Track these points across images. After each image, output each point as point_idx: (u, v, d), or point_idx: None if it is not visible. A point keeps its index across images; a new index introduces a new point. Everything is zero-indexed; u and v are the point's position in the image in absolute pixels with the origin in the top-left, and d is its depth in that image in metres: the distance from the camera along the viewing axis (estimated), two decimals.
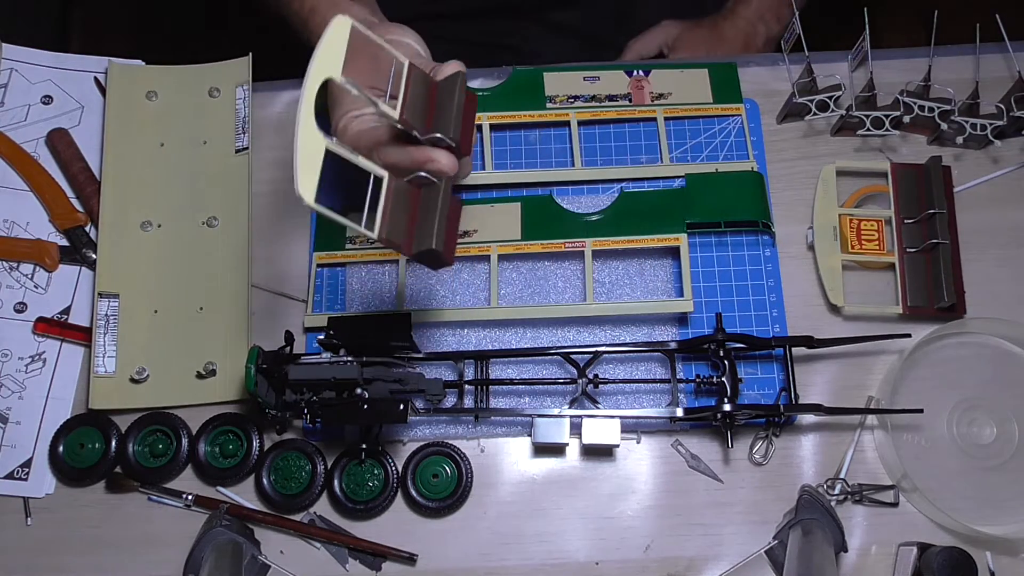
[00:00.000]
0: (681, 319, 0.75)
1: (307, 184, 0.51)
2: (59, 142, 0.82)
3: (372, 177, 0.55)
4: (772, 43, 0.99)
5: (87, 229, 0.80)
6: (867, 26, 0.78)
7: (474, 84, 0.82)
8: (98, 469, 0.72)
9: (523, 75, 0.82)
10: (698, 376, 0.71)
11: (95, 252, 0.78)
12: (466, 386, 0.71)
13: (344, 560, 0.70)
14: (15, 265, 0.79)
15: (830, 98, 0.77)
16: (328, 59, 0.53)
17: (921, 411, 0.69)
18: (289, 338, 0.68)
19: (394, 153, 0.61)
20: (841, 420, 0.72)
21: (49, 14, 1.55)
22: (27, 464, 0.74)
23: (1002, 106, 0.76)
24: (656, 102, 0.80)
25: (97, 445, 0.73)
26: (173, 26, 1.56)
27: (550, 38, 1.03)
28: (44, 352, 0.77)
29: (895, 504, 0.70)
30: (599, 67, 0.82)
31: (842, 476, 0.71)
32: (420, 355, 0.72)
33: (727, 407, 0.67)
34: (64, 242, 0.80)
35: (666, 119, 0.80)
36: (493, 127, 0.80)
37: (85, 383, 0.75)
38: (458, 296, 0.76)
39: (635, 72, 0.82)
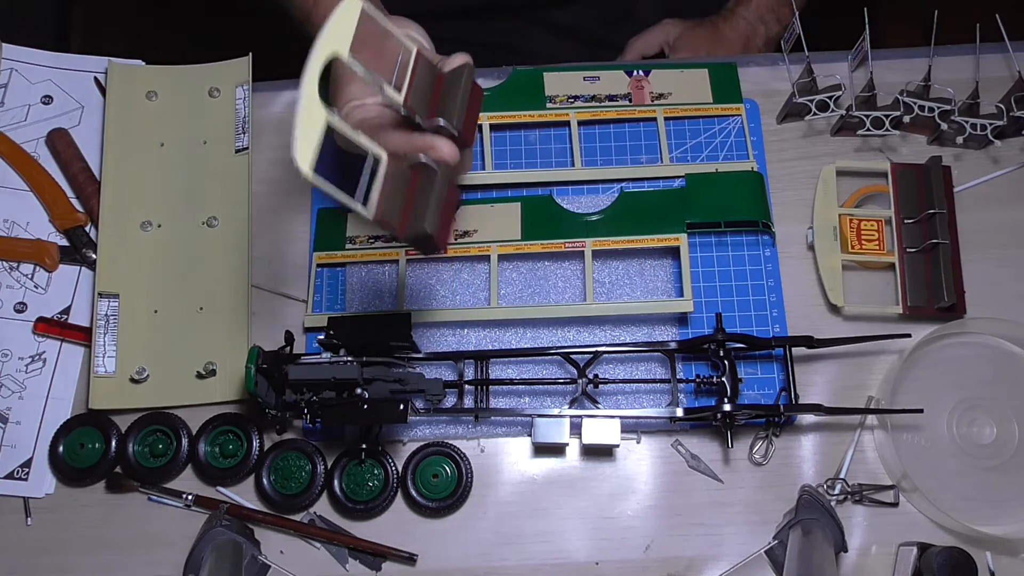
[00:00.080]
0: (681, 319, 0.75)
1: (305, 154, 0.51)
2: (59, 142, 0.82)
3: (370, 157, 0.55)
4: (772, 43, 0.99)
5: (87, 229, 0.80)
6: (867, 26, 0.78)
7: None
8: (98, 469, 0.72)
9: (523, 75, 0.82)
10: (698, 376, 0.71)
11: (95, 252, 0.78)
12: (466, 386, 0.71)
13: (344, 560, 0.70)
14: (15, 265, 0.79)
15: (830, 98, 0.77)
16: (336, 36, 0.52)
17: (921, 411, 0.69)
18: (289, 338, 0.68)
19: (396, 139, 0.60)
20: (841, 420, 0.72)
21: (49, 14, 1.55)
22: (27, 464, 0.74)
23: (1002, 106, 0.76)
24: (656, 102, 0.80)
25: (97, 445, 0.73)
26: (173, 26, 1.56)
27: (550, 38, 1.03)
28: (44, 352, 0.77)
29: (895, 504, 0.70)
30: (599, 67, 0.82)
31: (842, 476, 0.71)
32: (420, 355, 0.72)
33: (727, 407, 0.67)
34: (64, 242, 0.80)
35: (666, 119, 0.80)
36: (493, 127, 0.80)
37: (85, 383, 0.75)
38: (458, 296, 0.76)
39: (635, 72, 0.82)
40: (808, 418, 0.72)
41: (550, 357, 0.74)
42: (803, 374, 0.73)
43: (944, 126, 0.77)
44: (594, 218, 0.76)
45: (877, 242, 0.75)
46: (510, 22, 1.01)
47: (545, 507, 0.72)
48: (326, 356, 0.67)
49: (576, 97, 0.81)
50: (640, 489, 0.72)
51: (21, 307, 0.78)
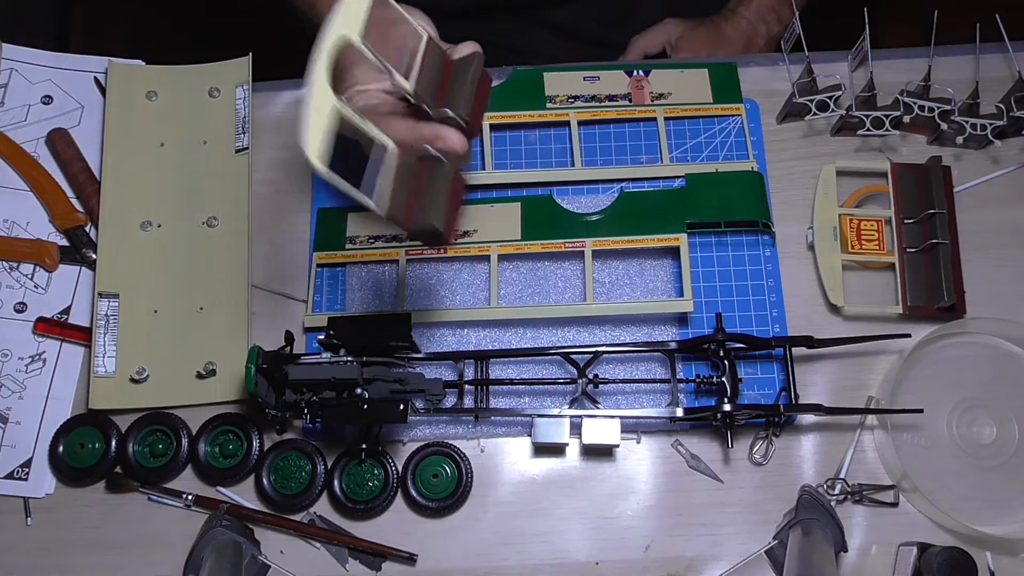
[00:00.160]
0: (681, 319, 0.75)
1: (315, 145, 0.50)
2: (59, 142, 0.82)
3: (377, 146, 0.54)
4: (773, 43, 0.99)
5: (87, 229, 0.80)
6: (867, 26, 0.78)
7: None
8: (98, 469, 0.72)
9: (523, 75, 0.82)
10: (698, 376, 0.71)
11: (95, 252, 0.78)
12: (466, 386, 0.71)
13: (344, 560, 0.70)
14: (15, 265, 0.79)
15: (830, 98, 0.77)
16: (348, 20, 0.51)
17: (921, 411, 0.69)
18: (289, 338, 0.68)
19: (402, 127, 0.59)
20: (841, 420, 0.72)
21: (49, 14, 1.55)
22: (27, 464, 0.74)
23: (1002, 106, 0.76)
24: (656, 102, 0.80)
25: (97, 445, 0.73)
26: (173, 26, 1.56)
27: (550, 38, 1.03)
28: (44, 352, 0.77)
29: (895, 504, 0.70)
30: (599, 67, 0.82)
31: (842, 476, 0.71)
32: (420, 355, 0.72)
33: (727, 407, 0.67)
34: (64, 242, 0.80)
35: (666, 119, 0.80)
36: (493, 127, 0.80)
37: (85, 383, 0.75)
38: (458, 296, 0.76)
39: (635, 72, 0.82)
40: (808, 418, 0.72)
41: (550, 357, 0.74)
42: (803, 374, 0.73)
43: (944, 126, 0.77)
44: (594, 218, 0.76)
45: (877, 242, 0.75)
46: (510, 22, 1.01)
47: (545, 507, 0.72)
48: (326, 356, 0.67)
49: (576, 97, 0.81)
50: (640, 489, 0.72)
51: (21, 307, 0.78)
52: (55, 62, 0.86)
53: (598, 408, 0.71)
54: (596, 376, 0.71)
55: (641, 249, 0.76)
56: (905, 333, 0.71)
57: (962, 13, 0.79)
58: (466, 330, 0.75)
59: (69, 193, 0.81)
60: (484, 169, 0.78)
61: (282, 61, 0.89)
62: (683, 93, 0.81)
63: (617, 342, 0.74)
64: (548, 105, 0.80)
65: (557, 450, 0.73)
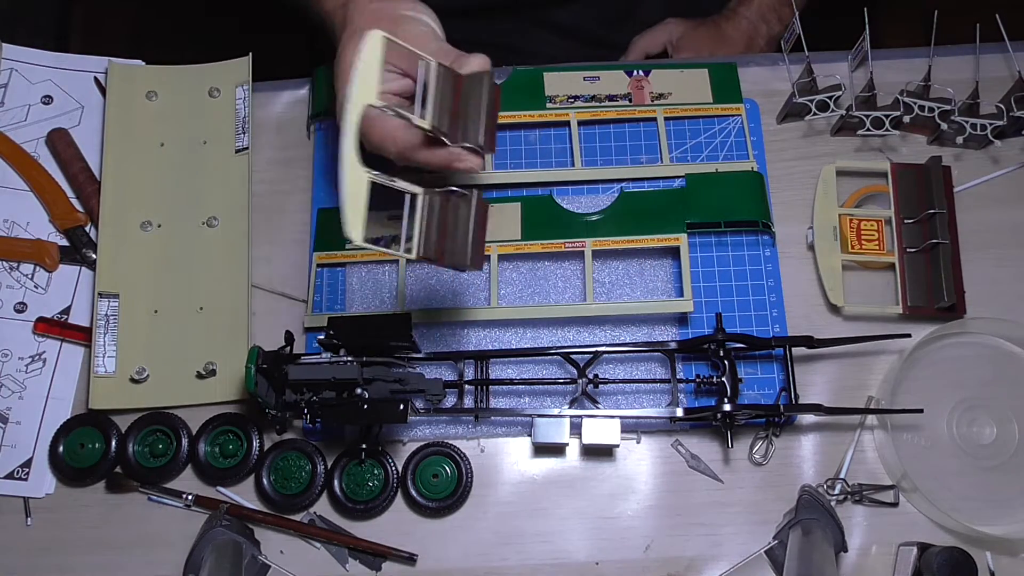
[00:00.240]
0: (681, 319, 0.75)
1: (356, 223, 0.53)
2: (59, 142, 0.82)
3: (407, 196, 0.57)
4: (774, 42, 0.99)
5: (87, 229, 0.80)
6: (867, 26, 0.78)
7: None
8: (98, 469, 0.72)
9: (523, 75, 0.82)
10: (698, 376, 0.71)
11: (95, 252, 0.78)
12: (466, 386, 0.71)
13: (344, 560, 0.70)
14: (15, 265, 0.79)
15: (830, 98, 0.77)
16: (365, 84, 0.53)
17: (921, 411, 0.69)
18: (289, 338, 0.68)
19: (423, 156, 0.62)
20: (841, 420, 0.72)
21: (49, 14, 1.55)
22: (27, 464, 0.74)
23: (1002, 106, 0.76)
24: (656, 102, 0.80)
25: (97, 445, 0.73)
26: (173, 26, 1.56)
27: (550, 38, 1.03)
28: (44, 352, 0.77)
29: (895, 504, 0.70)
30: (599, 67, 0.82)
31: (842, 476, 0.71)
32: (420, 355, 0.72)
33: (727, 407, 0.67)
34: (64, 242, 0.80)
35: (666, 119, 0.80)
36: None
37: (85, 383, 0.75)
38: (458, 296, 0.76)
39: (635, 72, 0.82)
40: (808, 418, 0.72)
41: (550, 357, 0.74)
42: (803, 374, 0.73)
43: (944, 126, 0.77)
44: (594, 218, 0.76)
45: (877, 242, 0.75)
46: (510, 22, 1.01)
47: (545, 507, 0.72)
48: (326, 356, 0.67)
49: (576, 97, 0.81)
50: (640, 489, 0.72)
51: (21, 307, 0.78)
52: (55, 62, 0.86)
53: (598, 408, 0.71)
54: (596, 376, 0.71)
55: (641, 249, 0.76)
56: (905, 333, 0.71)
57: (962, 13, 0.79)
58: (466, 330, 0.75)
59: (69, 193, 0.81)
60: (484, 169, 0.78)
61: (282, 61, 0.89)
62: (683, 93, 0.81)
63: (617, 342, 0.74)
64: (548, 105, 0.80)
65: (557, 450, 0.73)
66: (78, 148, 0.82)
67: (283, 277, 0.78)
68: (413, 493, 0.71)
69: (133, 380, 0.74)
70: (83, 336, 0.77)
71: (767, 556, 0.69)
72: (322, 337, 0.66)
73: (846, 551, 0.66)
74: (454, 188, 0.60)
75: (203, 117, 0.82)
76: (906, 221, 0.76)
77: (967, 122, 0.76)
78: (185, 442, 0.73)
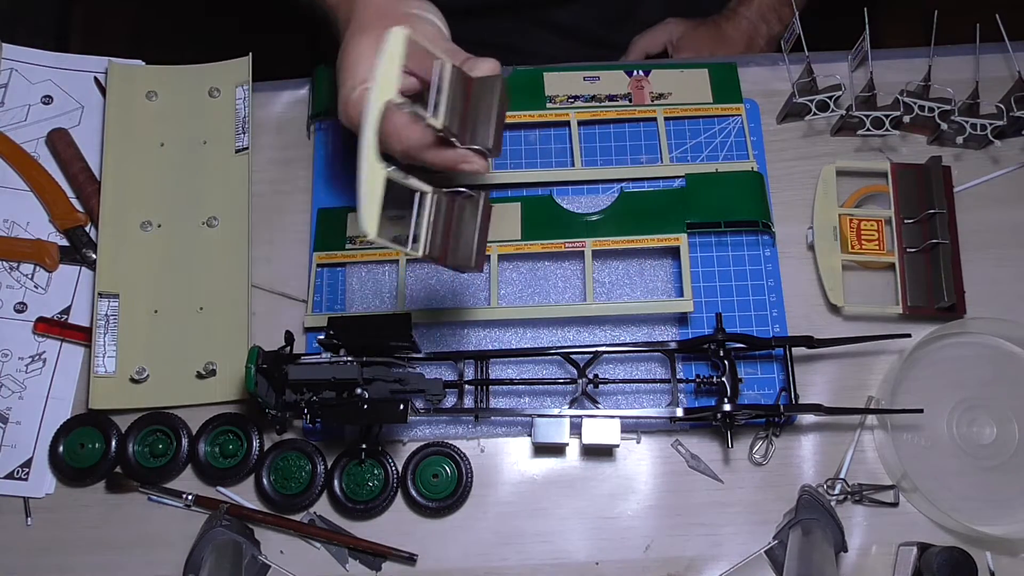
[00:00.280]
0: (681, 319, 0.75)
1: (372, 218, 0.52)
2: (59, 142, 0.82)
3: (416, 194, 0.57)
4: (774, 42, 0.99)
5: (87, 229, 0.80)
6: (867, 26, 0.78)
7: None
8: (98, 469, 0.72)
9: (523, 75, 0.82)
10: (698, 376, 0.71)
11: (95, 252, 0.78)
12: (466, 386, 0.71)
13: (344, 560, 0.70)
14: (15, 265, 0.79)
15: (830, 98, 0.77)
16: (387, 80, 0.53)
17: (921, 411, 0.69)
18: (289, 338, 0.68)
19: (431, 155, 0.62)
20: (841, 420, 0.72)
21: (49, 14, 1.55)
22: (27, 464, 0.74)
23: (1002, 106, 0.76)
24: (656, 102, 0.80)
25: (97, 445, 0.73)
26: (173, 26, 1.56)
27: (550, 38, 1.03)
28: (44, 352, 0.77)
29: (895, 504, 0.70)
30: (599, 67, 0.82)
31: (842, 476, 0.71)
32: (420, 355, 0.72)
33: (727, 407, 0.67)
34: (64, 242, 0.80)
35: (666, 119, 0.80)
36: None
37: (85, 383, 0.75)
38: (458, 296, 0.76)
39: (635, 72, 0.82)
40: (808, 418, 0.72)
41: (550, 357, 0.74)
42: (803, 374, 0.73)
43: (944, 126, 0.77)
44: (594, 218, 0.76)
45: (877, 242, 0.75)
46: (510, 22, 1.01)
47: (545, 507, 0.72)
48: (326, 356, 0.67)
49: (576, 97, 0.81)
50: (640, 489, 0.72)
51: (21, 307, 0.78)
52: (55, 62, 0.86)
53: (598, 408, 0.71)
54: (596, 376, 0.71)
55: (641, 249, 0.76)
56: (905, 333, 0.71)
57: (962, 13, 0.79)
58: (466, 330, 0.75)
59: (69, 193, 0.81)
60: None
61: (282, 61, 0.89)
62: (683, 93, 0.81)
63: (617, 342, 0.74)
64: (548, 105, 0.80)
65: (557, 450, 0.73)
66: (78, 148, 0.82)
67: (283, 277, 0.78)
68: (413, 493, 0.71)
69: (133, 380, 0.74)
70: (83, 336, 0.77)
71: (767, 556, 0.69)
72: (322, 337, 0.66)
73: (846, 551, 0.66)
74: (462, 189, 0.60)
75: (203, 117, 0.82)
76: (906, 221, 0.76)
77: (967, 122, 0.76)
78: (185, 442, 0.73)
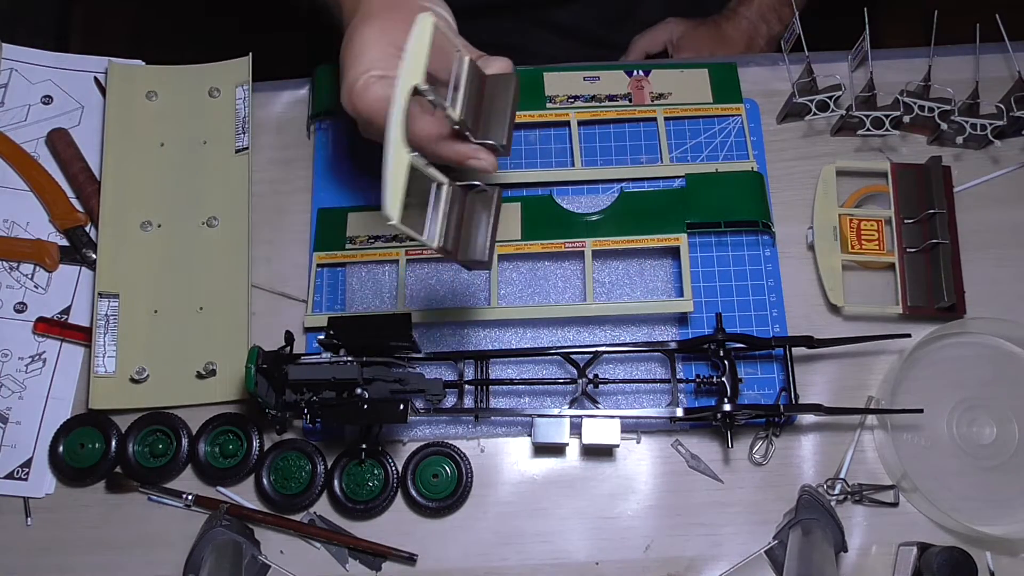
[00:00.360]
0: (681, 319, 0.75)
1: (396, 203, 0.51)
2: (59, 142, 0.82)
3: (433, 186, 0.56)
4: (774, 42, 0.99)
5: (87, 229, 0.80)
6: (867, 26, 0.78)
7: None
8: (98, 469, 0.72)
9: (523, 75, 0.81)
10: (698, 376, 0.71)
11: (95, 252, 0.78)
12: (466, 386, 0.71)
13: (344, 560, 0.70)
14: (15, 265, 0.79)
15: (830, 98, 0.77)
16: (415, 66, 0.53)
17: (921, 411, 0.69)
18: (289, 338, 0.68)
19: (444, 147, 0.61)
20: (841, 420, 0.72)
21: (49, 14, 1.55)
22: (27, 464, 0.74)
23: (1002, 106, 0.76)
24: (656, 102, 0.80)
25: (97, 445, 0.73)
26: (173, 26, 1.56)
27: (551, 38, 1.03)
28: (44, 352, 0.77)
29: (895, 504, 0.70)
30: (599, 67, 0.82)
31: (842, 476, 0.71)
32: (420, 355, 0.72)
33: (727, 407, 0.67)
34: (64, 242, 0.80)
35: (666, 119, 0.80)
36: None
37: (85, 383, 0.75)
38: (458, 296, 0.76)
39: (635, 72, 0.82)
40: (808, 418, 0.72)
41: (550, 357, 0.74)
42: (803, 374, 0.73)
43: (944, 126, 0.77)
44: (594, 218, 0.76)
45: (877, 242, 0.75)
46: (511, 21, 1.01)
47: (545, 507, 0.72)
48: (326, 356, 0.67)
49: (576, 97, 0.81)
50: (640, 489, 0.72)
51: (21, 307, 0.78)
52: (55, 62, 0.86)
53: (598, 408, 0.71)
54: (596, 376, 0.71)
55: (641, 249, 0.76)
56: (905, 333, 0.71)
57: (962, 13, 0.79)
58: (466, 330, 0.75)
59: (69, 193, 0.81)
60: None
61: (282, 61, 0.89)
62: (683, 93, 0.81)
63: (617, 342, 0.74)
64: (548, 105, 0.80)
65: (557, 450, 0.73)
66: (78, 148, 0.82)
67: (283, 277, 0.78)
68: (413, 493, 0.71)
69: (133, 380, 0.74)
70: (83, 336, 0.77)
71: (767, 556, 0.69)
72: (322, 337, 0.66)
73: (846, 551, 0.66)
74: (477, 183, 0.60)
75: (203, 117, 0.82)
76: (906, 221, 0.76)
77: (967, 122, 0.76)
78: (185, 442, 0.73)
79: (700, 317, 0.74)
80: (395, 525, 0.71)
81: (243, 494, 0.72)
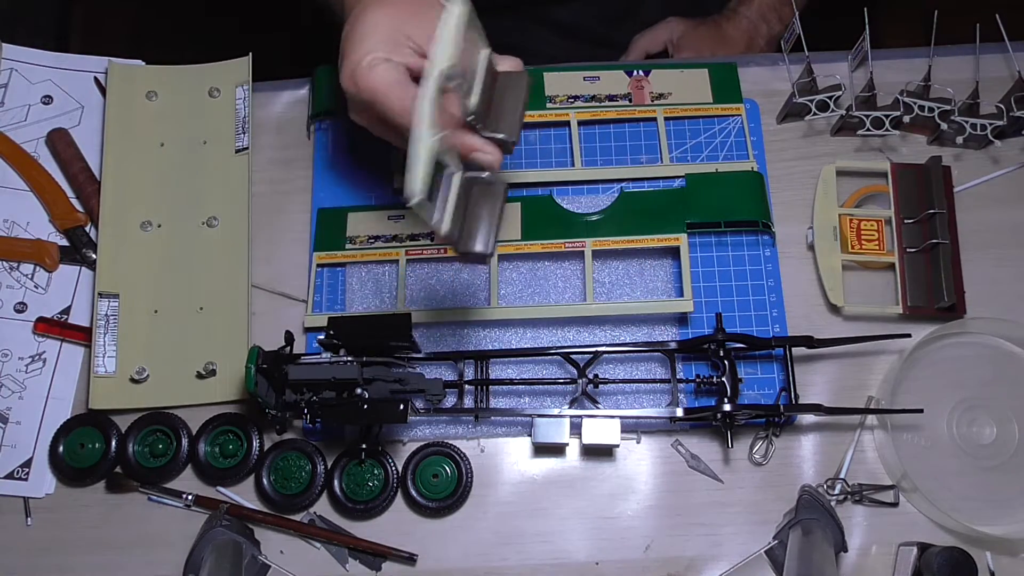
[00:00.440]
0: (681, 319, 0.75)
1: (420, 179, 0.51)
2: (59, 142, 0.82)
3: (447, 173, 0.56)
4: (774, 42, 0.99)
5: (87, 229, 0.80)
6: (867, 26, 0.78)
7: None
8: (98, 469, 0.72)
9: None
10: (698, 376, 0.71)
11: (95, 252, 0.78)
12: (466, 386, 0.71)
13: (344, 560, 0.70)
14: (15, 265, 0.79)
15: (830, 98, 0.77)
16: (446, 50, 0.52)
17: (921, 411, 0.69)
18: (289, 338, 0.68)
19: (455, 136, 0.60)
20: (841, 420, 0.72)
21: (49, 14, 1.55)
22: (27, 464, 0.74)
23: (1002, 106, 0.76)
24: (656, 102, 0.80)
25: (97, 445, 0.73)
26: (173, 26, 1.56)
27: (551, 37, 1.03)
28: (44, 352, 0.77)
29: (895, 504, 0.70)
30: (599, 67, 0.82)
31: (842, 476, 0.71)
32: (420, 355, 0.72)
33: (727, 407, 0.67)
34: (64, 242, 0.80)
35: (666, 119, 0.80)
36: None
37: (85, 383, 0.75)
38: (458, 296, 0.76)
39: (635, 72, 0.82)
40: (808, 418, 0.72)
41: (550, 357, 0.74)
42: (803, 374, 0.73)
43: (944, 126, 0.77)
44: (594, 218, 0.76)
45: (877, 242, 0.75)
46: (511, 20, 1.01)
47: (545, 507, 0.72)
48: (326, 356, 0.67)
49: (576, 97, 0.81)
50: (640, 489, 0.72)
51: (21, 307, 0.78)
52: (55, 62, 0.86)
53: (598, 408, 0.71)
54: (596, 376, 0.71)
55: (641, 249, 0.76)
56: (905, 333, 0.71)
57: (962, 13, 0.79)
58: (466, 330, 0.75)
59: (69, 193, 0.81)
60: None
61: (282, 61, 0.89)
62: (683, 93, 0.81)
63: (617, 342, 0.74)
64: (548, 105, 0.80)
65: (557, 450, 0.73)
66: (78, 148, 0.82)
67: (283, 277, 0.78)
68: (413, 493, 0.71)
69: (133, 380, 0.74)
70: (83, 336, 0.77)
71: (767, 556, 0.69)
72: (322, 337, 0.66)
73: (846, 551, 0.66)
74: (484, 175, 0.60)
75: (203, 117, 0.82)
76: (906, 221, 0.76)
77: (967, 122, 0.76)
78: (185, 442, 0.73)
79: (700, 317, 0.74)
80: (395, 525, 0.71)
81: (243, 494, 0.72)
